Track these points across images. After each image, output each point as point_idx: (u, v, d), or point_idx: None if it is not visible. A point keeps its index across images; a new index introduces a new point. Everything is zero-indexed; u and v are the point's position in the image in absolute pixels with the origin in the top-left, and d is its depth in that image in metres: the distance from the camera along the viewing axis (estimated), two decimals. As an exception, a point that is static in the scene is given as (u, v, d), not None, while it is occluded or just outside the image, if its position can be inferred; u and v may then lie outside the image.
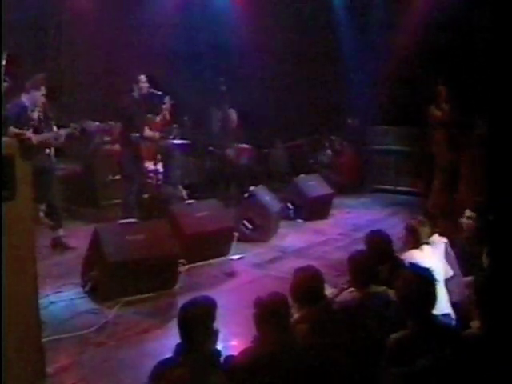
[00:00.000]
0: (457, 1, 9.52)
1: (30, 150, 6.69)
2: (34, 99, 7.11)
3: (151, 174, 8.41)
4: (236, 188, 9.65)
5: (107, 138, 9.42)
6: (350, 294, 4.37)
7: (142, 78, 7.70)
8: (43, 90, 7.14)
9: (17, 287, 3.11)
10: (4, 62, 8.36)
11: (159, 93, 7.88)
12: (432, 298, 3.58)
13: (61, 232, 7.43)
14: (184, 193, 9.04)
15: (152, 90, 7.78)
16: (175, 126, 9.35)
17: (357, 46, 11.70)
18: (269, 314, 3.66)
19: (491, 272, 3.11)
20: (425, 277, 3.62)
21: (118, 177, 8.68)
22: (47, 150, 8.92)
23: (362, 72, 11.51)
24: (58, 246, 7.37)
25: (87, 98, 10.13)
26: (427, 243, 5.16)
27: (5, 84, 8.25)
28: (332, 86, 11.68)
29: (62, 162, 9.28)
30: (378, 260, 4.74)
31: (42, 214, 7.58)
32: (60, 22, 10.13)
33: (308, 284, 4.04)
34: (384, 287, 4.37)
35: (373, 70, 11.42)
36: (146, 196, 8.26)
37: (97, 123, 9.34)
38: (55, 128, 7.43)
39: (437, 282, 3.88)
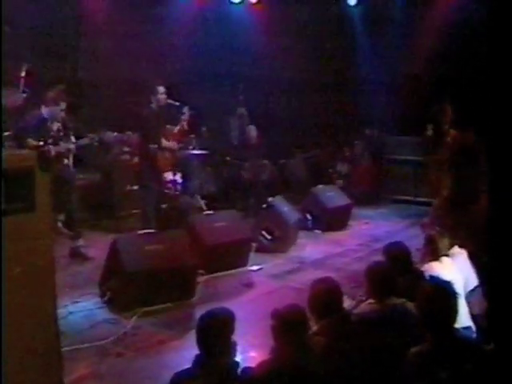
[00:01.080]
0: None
1: (49, 162, 6.75)
2: (53, 113, 7.18)
3: (169, 185, 8.41)
4: (254, 198, 9.63)
5: (126, 149, 9.47)
6: (368, 305, 4.33)
7: (160, 89, 7.71)
8: (63, 105, 7.18)
9: (35, 298, 3.11)
10: (24, 74, 8.53)
11: (177, 103, 7.89)
12: (453, 312, 3.52)
13: (80, 242, 7.47)
14: (202, 203, 9.05)
15: (170, 101, 7.80)
16: (193, 136, 9.40)
17: (376, 56, 11.66)
18: (286, 326, 3.63)
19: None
20: (446, 290, 3.57)
21: (136, 187, 8.68)
22: (65, 161, 9.03)
23: (380, 82, 11.47)
24: (77, 256, 7.40)
25: (106, 109, 10.19)
26: (447, 255, 5.12)
27: (24, 95, 8.38)
28: (350, 96, 11.66)
29: (80, 172, 9.36)
30: (396, 272, 4.71)
31: (60, 224, 7.62)
32: (79, 33, 10.22)
33: (326, 296, 4.00)
34: (403, 299, 4.32)
35: (392, 79, 11.37)
36: (164, 206, 8.24)
37: (115, 134, 9.41)
38: (73, 139, 7.49)
39: (457, 293, 3.86)
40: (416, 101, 10.65)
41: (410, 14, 11.20)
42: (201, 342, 3.41)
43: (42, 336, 3.25)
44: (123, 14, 10.29)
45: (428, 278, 4.57)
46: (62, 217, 7.58)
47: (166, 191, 8.40)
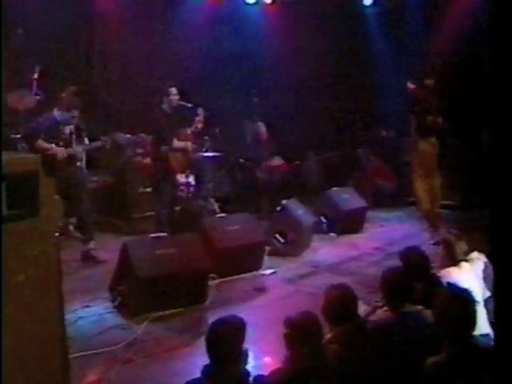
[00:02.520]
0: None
1: (53, 166, 6.73)
2: (66, 118, 7.11)
3: (182, 187, 8.33)
4: (268, 201, 9.51)
5: (139, 151, 9.41)
6: (384, 313, 4.20)
7: (173, 90, 7.64)
8: (75, 112, 7.12)
9: (40, 305, 3.03)
10: (36, 76, 8.52)
11: (189, 105, 7.80)
12: (472, 321, 3.41)
13: (91, 245, 7.40)
14: (216, 206, 8.95)
15: (182, 103, 7.72)
16: (206, 138, 9.32)
17: (391, 57, 11.52)
18: (299, 334, 3.54)
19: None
20: (464, 299, 3.45)
21: (149, 189, 8.63)
22: (78, 163, 9.01)
23: (396, 83, 11.31)
24: (89, 259, 7.32)
25: (119, 111, 10.17)
26: (465, 260, 4.98)
27: (37, 97, 8.36)
28: (366, 97, 11.53)
29: (93, 174, 9.35)
30: (413, 278, 4.59)
31: (71, 228, 7.57)
32: (92, 35, 10.19)
33: (340, 303, 3.90)
34: (420, 307, 4.20)
35: (407, 80, 11.22)
36: (177, 209, 8.17)
37: (128, 135, 9.40)
38: (87, 141, 7.44)
39: (476, 302, 3.73)
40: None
41: (426, 14, 11.04)
42: (211, 351, 3.32)
43: (47, 343, 3.15)
44: (137, 15, 10.29)
45: (445, 284, 4.48)
46: (73, 220, 7.53)
47: (180, 194, 8.33)
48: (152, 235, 6.06)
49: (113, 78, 10.39)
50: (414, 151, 8.48)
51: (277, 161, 10.03)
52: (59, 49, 9.57)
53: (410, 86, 8.15)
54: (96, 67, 10.37)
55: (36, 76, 8.44)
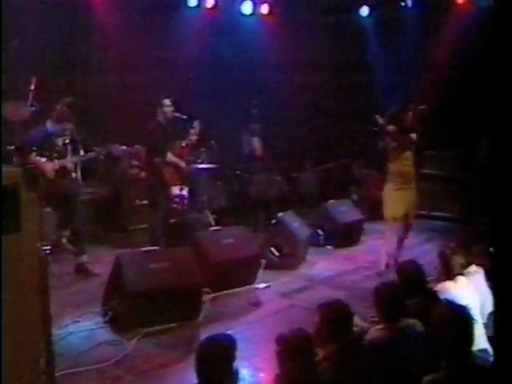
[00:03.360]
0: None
1: (36, 181, 6.62)
2: (58, 129, 7.03)
3: (177, 200, 8.24)
4: (265, 214, 9.41)
5: (135, 163, 9.32)
6: (378, 331, 4.09)
7: (166, 101, 7.57)
8: (69, 125, 7.03)
9: (21, 322, 2.93)
10: (33, 87, 8.44)
11: (184, 117, 7.73)
12: (469, 340, 3.31)
13: (84, 258, 7.28)
14: (211, 218, 8.84)
15: (177, 114, 7.64)
16: (203, 149, 9.24)
17: (389, 67, 11.46)
18: (291, 351, 3.45)
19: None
20: (462, 318, 3.35)
21: (145, 202, 8.54)
22: (73, 174, 8.91)
23: (394, 94, 11.25)
24: (82, 272, 7.21)
25: (116, 122, 10.08)
26: (462, 274, 4.89)
27: (32, 108, 8.28)
28: (363, 108, 11.45)
29: (89, 186, 9.28)
30: (409, 292, 4.50)
31: (64, 240, 7.47)
32: (89, 46, 10.13)
33: (334, 320, 3.80)
34: (413, 320, 4.11)
35: (405, 91, 11.17)
36: (172, 221, 8.07)
37: (124, 147, 9.28)
38: (82, 152, 7.36)
39: (474, 319, 3.64)
40: (432, 114, 10.49)
41: (424, 24, 11.00)
42: (201, 371, 3.22)
43: (29, 361, 3.05)
44: (133, 26, 10.20)
45: (442, 299, 4.38)
46: (67, 233, 7.44)
47: (174, 206, 8.24)
48: (145, 249, 5.95)
49: (109, 89, 10.31)
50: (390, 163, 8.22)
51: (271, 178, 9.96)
52: (55, 60, 9.51)
53: (379, 120, 7.87)
54: (92, 78, 10.27)
55: (32, 87, 8.37)
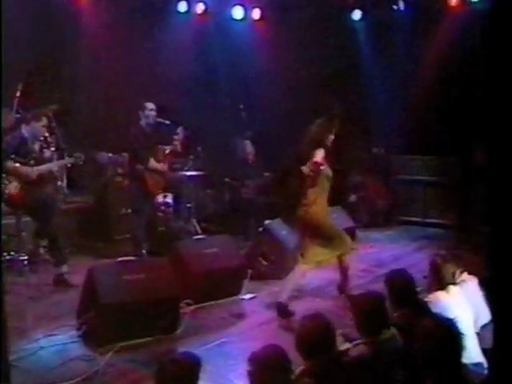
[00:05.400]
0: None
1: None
2: (34, 131, 6.84)
3: (161, 208, 7.98)
4: (255, 221, 9.14)
5: (120, 171, 9.08)
6: (357, 346, 3.82)
7: (149, 105, 7.33)
8: (44, 120, 6.83)
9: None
10: (18, 94, 8.23)
11: (167, 122, 7.48)
12: (455, 354, 3.05)
13: (64, 268, 7.00)
14: (198, 227, 8.58)
15: (160, 119, 7.39)
16: (191, 157, 9.01)
17: (382, 72, 11.24)
18: (264, 371, 3.18)
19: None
20: (448, 329, 3.09)
21: (131, 210, 8.28)
22: (59, 183, 8.70)
23: (386, 98, 11.04)
24: (61, 283, 6.93)
25: (102, 129, 9.86)
26: (454, 283, 4.63)
27: (17, 115, 8.05)
28: (356, 113, 11.22)
29: (74, 194, 9.07)
30: (397, 303, 4.24)
31: (41, 250, 7.21)
32: (78, 53, 9.91)
33: (314, 334, 3.54)
34: (392, 331, 3.84)
35: (398, 96, 10.97)
36: (155, 230, 7.81)
37: (109, 154, 9.08)
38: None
39: (465, 331, 3.49)
40: (426, 118, 10.28)
41: (417, 27, 10.79)
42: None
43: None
44: (123, 32, 10.02)
45: (431, 310, 4.16)
46: (44, 242, 7.18)
47: (160, 214, 7.98)
48: (120, 259, 5.67)
49: (97, 96, 10.10)
50: None
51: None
52: (42, 67, 9.28)
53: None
54: (79, 85, 10.06)
55: (18, 94, 8.16)
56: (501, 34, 2.55)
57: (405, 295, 4.35)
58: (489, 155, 2.65)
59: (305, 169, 6.09)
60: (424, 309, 4.27)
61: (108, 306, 5.17)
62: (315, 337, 3.53)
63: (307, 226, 6.23)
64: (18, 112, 8.12)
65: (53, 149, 8.13)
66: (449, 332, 3.10)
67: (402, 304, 4.28)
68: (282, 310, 5.91)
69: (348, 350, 3.89)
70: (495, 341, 2.74)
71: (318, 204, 6.16)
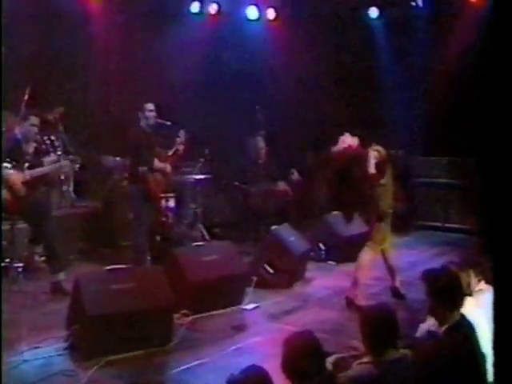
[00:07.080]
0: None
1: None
2: (24, 131, 6.57)
3: (165, 213, 7.65)
4: (266, 226, 8.77)
5: (126, 175, 8.81)
6: (364, 365, 3.42)
7: (149, 106, 7.04)
8: (33, 119, 6.57)
9: None
10: (26, 97, 8.05)
11: (168, 123, 7.16)
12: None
13: (61, 276, 6.69)
14: (205, 233, 8.23)
15: (160, 121, 7.09)
16: (201, 159, 8.72)
17: (400, 72, 10.85)
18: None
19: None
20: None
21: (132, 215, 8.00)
22: (65, 187, 8.46)
23: (405, 98, 10.63)
24: (57, 291, 6.62)
25: (110, 133, 9.64)
26: (470, 294, 4.23)
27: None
28: (373, 114, 10.84)
29: (81, 199, 8.84)
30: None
31: (37, 258, 6.93)
32: (88, 56, 9.73)
33: (301, 355, 3.15)
34: (403, 351, 3.44)
35: (417, 95, 10.57)
36: (157, 237, 7.50)
37: (116, 158, 8.84)
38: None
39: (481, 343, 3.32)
40: (445, 118, 9.86)
41: (436, 24, 10.39)
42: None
43: None
44: (134, 33, 9.90)
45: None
46: (39, 249, 6.90)
47: (161, 219, 7.66)
48: (108, 267, 5.33)
49: (107, 99, 9.92)
50: None
51: (279, 185, 9.29)
52: (50, 70, 9.25)
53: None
54: (88, 89, 9.87)
55: (26, 97, 8.00)
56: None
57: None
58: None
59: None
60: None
61: (94, 317, 4.84)
62: (303, 357, 3.15)
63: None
64: (25, 115, 7.95)
65: (59, 152, 7.94)
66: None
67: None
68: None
69: (343, 368, 3.50)
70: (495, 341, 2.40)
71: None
